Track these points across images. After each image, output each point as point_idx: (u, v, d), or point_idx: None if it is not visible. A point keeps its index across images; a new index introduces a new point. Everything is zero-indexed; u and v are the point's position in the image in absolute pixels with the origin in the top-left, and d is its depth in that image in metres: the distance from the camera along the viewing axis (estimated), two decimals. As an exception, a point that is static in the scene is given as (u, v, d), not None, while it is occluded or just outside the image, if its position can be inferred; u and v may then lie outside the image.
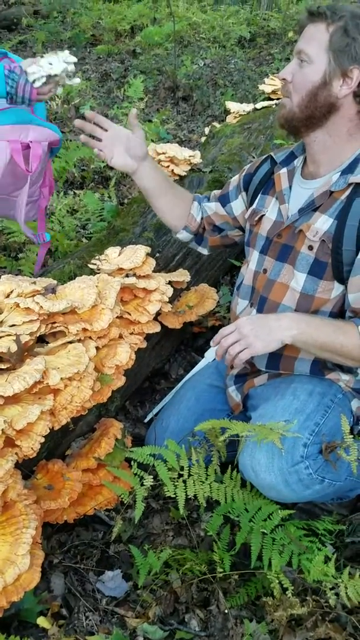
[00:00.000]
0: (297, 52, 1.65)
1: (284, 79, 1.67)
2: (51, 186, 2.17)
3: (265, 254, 1.81)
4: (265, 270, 1.80)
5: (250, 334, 1.59)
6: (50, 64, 1.83)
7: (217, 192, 2.12)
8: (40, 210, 2.17)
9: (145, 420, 1.70)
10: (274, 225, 1.80)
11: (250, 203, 1.96)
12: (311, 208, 1.69)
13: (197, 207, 2.07)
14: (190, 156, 2.62)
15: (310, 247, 1.67)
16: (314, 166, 1.75)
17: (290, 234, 1.74)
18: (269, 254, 1.80)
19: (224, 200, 2.04)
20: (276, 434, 1.43)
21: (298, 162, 1.83)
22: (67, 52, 1.88)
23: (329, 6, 1.60)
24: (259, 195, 1.91)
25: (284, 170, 1.84)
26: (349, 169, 1.65)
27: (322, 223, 1.65)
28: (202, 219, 2.08)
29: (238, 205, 2.01)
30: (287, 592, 1.43)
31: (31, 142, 1.91)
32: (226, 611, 1.54)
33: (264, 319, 1.64)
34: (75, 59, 1.87)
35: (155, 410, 1.72)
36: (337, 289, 1.66)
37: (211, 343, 1.71)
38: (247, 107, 3.48)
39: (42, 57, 1.85)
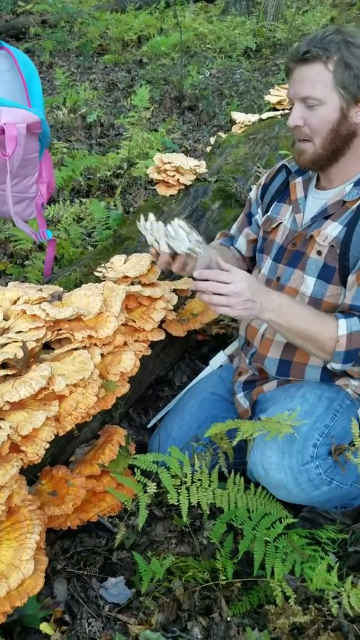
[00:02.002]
0: (300, 98, 1.64)
1: (296, 126, 1.67)
2: (50, 184, 2.10)
3: (279, 262, 1.85)
4: (278, 279, 1.83)
5: (238, 299, 1.55)
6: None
7: (237, 223, 2.16)
8: (38, 208, 2.12)
9: (149, 426, 1.71)
10: (289, 234, 1.84)
11: (265, 211, 1.99)
12: (323, 216, 1.74)
13: (237, 255, 2.12)
14: (195, 166, 2.64)
15: (319, 252, 1.71)
16: (328, 182, 1.79)
17: (302, 240, 1.78)
18: (282, 262, 1.84)
19: (249, 220, 2.07)
20: (287, 427, 1.44)
21: (313, 172, 1.87)
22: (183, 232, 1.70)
23: (316, 44, 1.59)
24: (274, 203, 1.95)
25: (299, 180, 1.88)
26: None
27: (332, 229, 1.70)
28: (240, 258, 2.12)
29: (259, 216, 2.05)
30: (289, 601, 1.43)
31: (5, 124, 1.83)
32: (228, 619, 1.54)
33: (258, 292, 1.60)
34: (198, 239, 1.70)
35: (158, 416, 1.72)
36: (344, 294, 1.70)
37: (196, 274, 1.59)
38: (253, 117, 3.50)
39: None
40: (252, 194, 2.08)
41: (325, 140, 1.65)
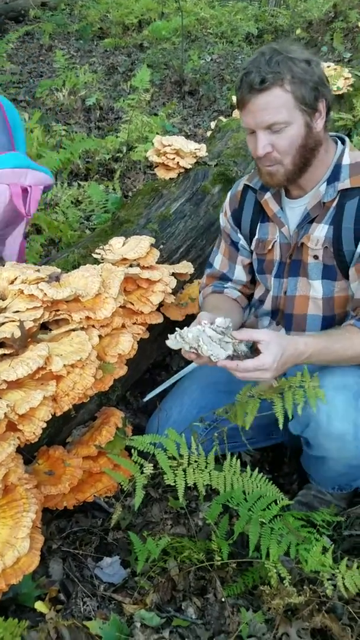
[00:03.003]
0: (265, 126, 1.61)
1: (267, 153, 1.64)
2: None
3: (281, 277, 1.86)
4: (285, 292, 1.85)
5: (271, 373, 1.51)
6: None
7: (222, 256, 2.06)
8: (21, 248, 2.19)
9: (145, 399, 1.71)
10: (283, 248, 1.84)
11: (250, 235, 1.95)
12: (307, 221, 1.75)
13: (235, 295, 2.04)
14: (196, 149, 2.62)
15: (316, 257, 1.74)
16: (298, 189, 1.78)
17: (296, 250, 1.80)
18: (284, 276, 1.85)
19: (236, 248, 2.00)
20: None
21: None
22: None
23: (266, 70, 1.56)
24: (258, 224, 1.91)
25: (268, 195, 1.86)
26: (333, 178, 1.72)
27: (320, 231, 1.72)
28: (240, 296, 2.04)
29: (243, 241, 2.00)
30: (284, 582, 1.43)
31: (30, 186, 1.97)
32: (223, 600, 1.54)
33: (290, 345, 1.56)
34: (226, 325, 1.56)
35: (156, 391, 1.71)
36: (350, 288, 1.73)
37: (240, 375, 1.53)
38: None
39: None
40: (223, 223, 2.03)
41: (295, 157, 1.65)
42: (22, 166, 1.98)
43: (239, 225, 1.98)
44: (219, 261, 2.06)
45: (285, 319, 1.86)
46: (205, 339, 1.51)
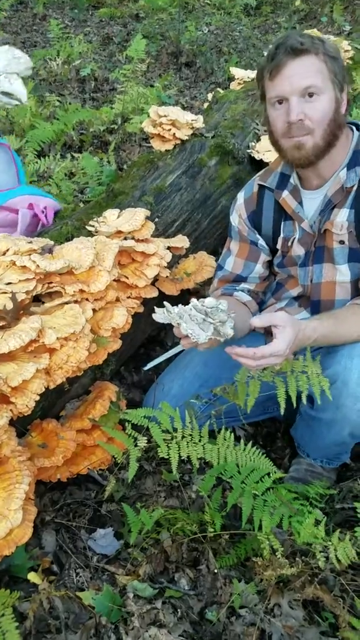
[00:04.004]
0: (301, 90, 1.61)
1: (300, 120, 1.63)
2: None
3: (307, 265, 1.85)
4: (311, 280, 1.84)
5: (280, 359, 1.51)
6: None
7: (239, 259, 2.00)
8: None
9: (146, 368, 1.70)
10: (305, 240, 1.82)
11: (274, 234, 1.92)
12: (330, 207, 1.74)
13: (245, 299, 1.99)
14: (192, 120, 2.56)
15: (342, 242, 1.74)
16: (317, 178, 1.77)
17: (319, 236, 1.79)
18: (309, 264, 1.84)
19: (256, 246, 1.96)
20: None
21: (294, 180, 1.84)
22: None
23: (304, 40, 1.62)
24: (282, 223, 1.89)
25: (286, 193, 1.85)
26: (353, 163, 1.72)
27: (343, 216, 1.72)
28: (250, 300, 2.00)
29: (262, 241, 1.97)
30: (277, 553, 1.44)
31: (45, 207, 2.35)
32: (215, 571, 1.56)
33: (298, 342, 1.55)
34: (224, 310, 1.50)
35: (158, 361, 1.69)
36: None
37: (254, 363, 1.50)
38: (252, 73, 3.39)
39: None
40: (238, 225, 1.98)
41: (326, 131, 1.65)
42: (36, 194, 2.41)
43: (258, 227, 1.95)
44: (231, 263, 2.01)
45: (312, 305, 1.86)
46: (186, 317, 1.49)
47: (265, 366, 1.54)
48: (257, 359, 1.48)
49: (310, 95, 1.62)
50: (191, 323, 1.49)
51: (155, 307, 1.55)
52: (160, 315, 1.54)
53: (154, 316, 1.55)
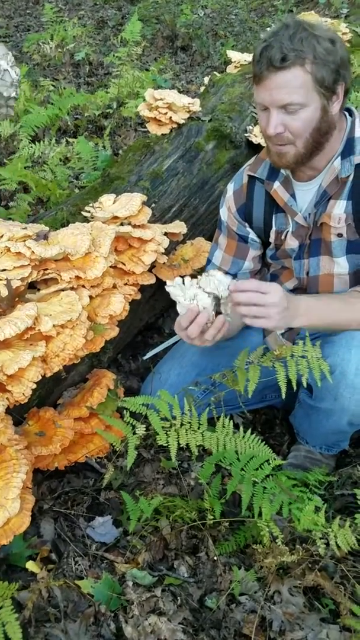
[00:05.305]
0: (278, 105, 1.54)
1: (278, 133, 1.57)
2: None
3: (302, 258, 1.80)
4: (307, 272, 1.81)
5: (276, 309, 1.49)
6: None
7: (228, 255, 1.95)
8: None
9: (146, 357, 1.68)
10: (299, 233, 1.77)
11: (266, 227, 1.87)
12: (325, 198, 1.69)
13: None
14: (189, 103, 2.52)
15: (340, 235, 1.69)
16: (311, 170, 1.71)
17: (314, 229, 1.74)
18: (304, 257, 1.80)
19: (245, 242, 1.91)
20: None
21: (285, 170, 1.76)
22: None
23: (289, 47, 1.49)
24: (273, 215, 1.83)
25: (277, 184, 1.78)
26: (347, 152, 1.65)
27: (340, 208, 1.67)
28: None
29: (253, 234, 1.91)
30: (277, 540, 1.43)
31: None
32: (215, 558, 1.55)
33: (293, 302, 1.55)
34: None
35: (156, 350, 1.67)
36: None
37: (233, 287, 1.49)
38: (249, 57, 3.34)
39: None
40: (227, 219, 1.92)
41: (308, 140, 1.59)
42: None
43: (249, 220, 1.88)
44: (219, 258, 1.96)
45: None
46: (200, 293, 1.49)
47: (259, 317, 1.49)
48: (262, 290, 1.47)
49: (291, 111, 1.54)
50: (204, 295, 1.49)
51: (167, 282, 1.53)
52: (172, 287, 1.52)
53: (166, 287, 1.53)
